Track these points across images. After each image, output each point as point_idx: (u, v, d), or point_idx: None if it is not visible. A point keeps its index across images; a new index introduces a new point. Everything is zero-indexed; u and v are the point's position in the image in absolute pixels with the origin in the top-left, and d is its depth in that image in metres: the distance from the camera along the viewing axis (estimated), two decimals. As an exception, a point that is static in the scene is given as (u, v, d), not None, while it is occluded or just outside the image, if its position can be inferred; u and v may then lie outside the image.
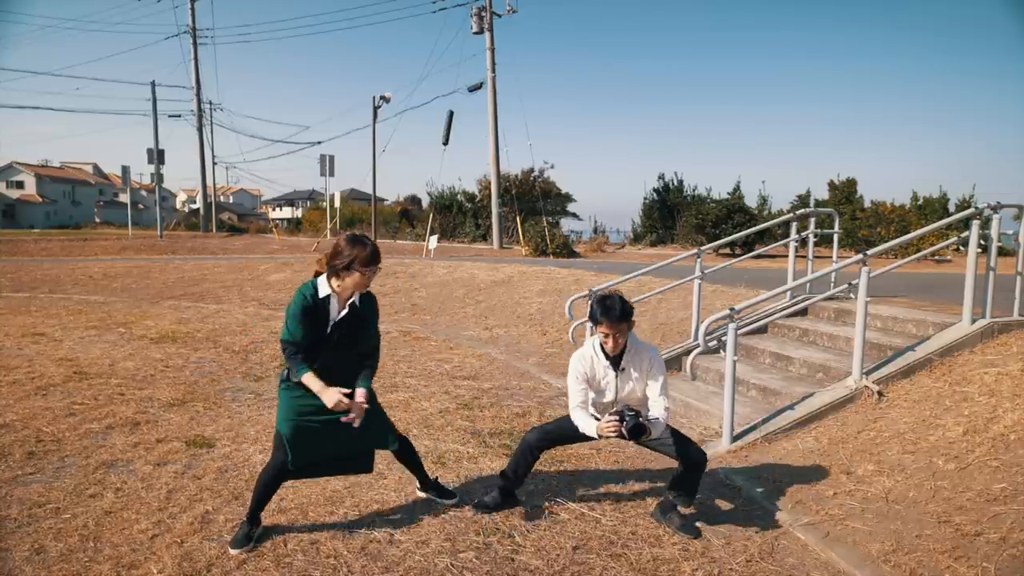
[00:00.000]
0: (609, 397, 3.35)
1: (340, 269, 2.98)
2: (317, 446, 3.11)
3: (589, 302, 3.27)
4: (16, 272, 14.79)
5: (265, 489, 3.14)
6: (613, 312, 3.20)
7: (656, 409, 3.29)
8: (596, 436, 3.22)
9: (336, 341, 3.05)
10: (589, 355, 3.36)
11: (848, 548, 3.08)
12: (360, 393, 3.07)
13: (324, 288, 3.04)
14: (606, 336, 3.25)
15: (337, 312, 3.05)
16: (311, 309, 3.00)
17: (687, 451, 3.30)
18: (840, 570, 2.95)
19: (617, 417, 3.11)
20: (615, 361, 3.33)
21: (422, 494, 3.61)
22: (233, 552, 2.99)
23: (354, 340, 3.10)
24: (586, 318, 6.17)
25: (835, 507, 3.44)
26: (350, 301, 3.07)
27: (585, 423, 3.26)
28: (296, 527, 3.25)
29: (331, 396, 2.96)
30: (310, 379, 2.97)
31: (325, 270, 3.06)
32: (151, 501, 3.50)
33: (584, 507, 3.56)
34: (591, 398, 3.36)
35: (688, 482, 3.33)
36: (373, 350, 3.22)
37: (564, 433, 3.49)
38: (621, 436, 3.10)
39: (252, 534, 3.08)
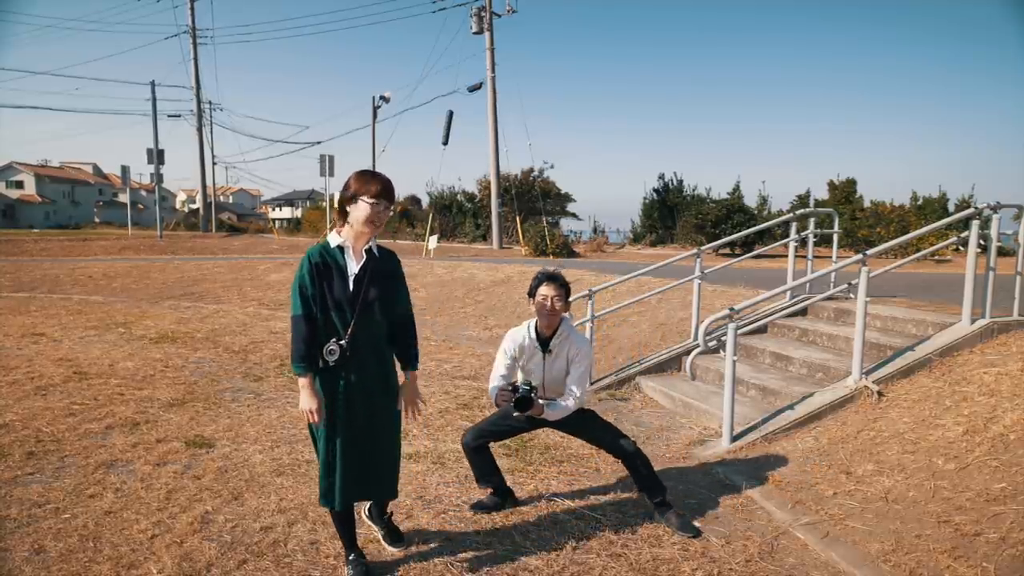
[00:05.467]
0: (536, 380, 3.40)
1: (347, 204, 2.64)
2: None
3: (531, 279, 3.42)
4: (16, 272, 14.77)
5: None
6: (557, 276, 3.34)
7: (567, 395, 3.37)
8: (495, 403, 3.31)
9: (363, 301, 2.65)
10: (522, 334, 3.44)
11: (848, 548, 3.08)
12: (412, 376, 2.84)
13: (335, 238, 2.69)
14: (545, 298, 3.31)
15: (355, 263, 2.67)
16: (320, 266, 2.62)
17: (616, 447, 3.38)
18: (840, 570, 2.95)
19: (511, 388, 3.23)
20: (544, 343, 3.39)
21: (366, 518, 3.24)
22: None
23: (383, 301, 2.70)
24: (586, 317, 6.21)
25: (835, 507, 3.44)
26: (366, 248, 2.71)
27: (493, 392, 3.35)
28: (296, 527, 3.25)
29: (304, 400, 2.63)
30: (303, 381, 2.62)
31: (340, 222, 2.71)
32: (151, 501, 3.50)
33: (584, 507, 3.56)
34: (521, 380, 3.46)
35: (640, 476, 3.39)
36: (409, 320, 2.84)
37: (494, 428, 3.55)
38: (512, 406, 3.22)
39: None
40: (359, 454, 2.72)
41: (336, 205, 2.73)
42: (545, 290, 3.31)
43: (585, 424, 3.46)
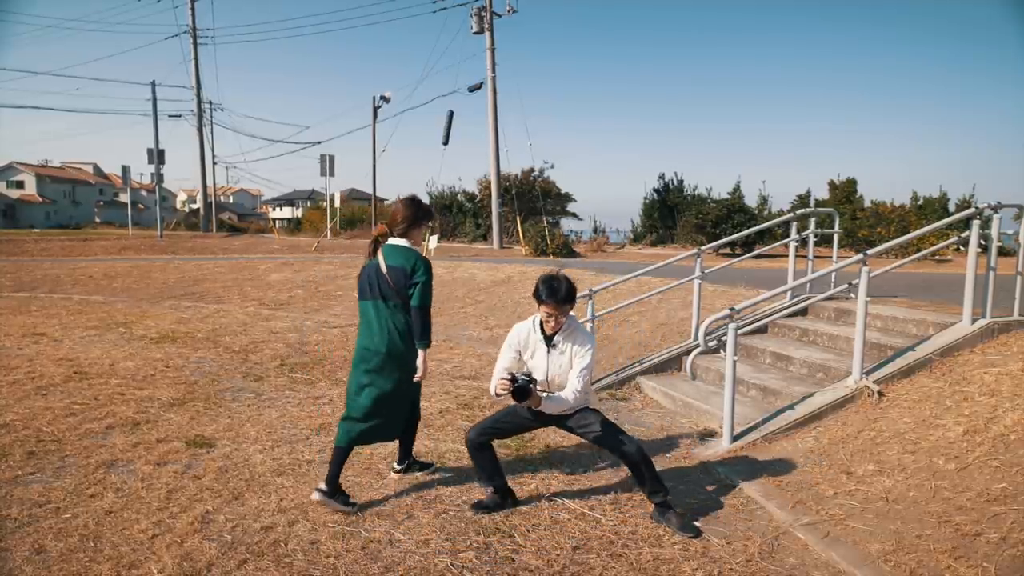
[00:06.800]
0: (540, 375, 3.40)
1: (424, 223, 3.63)
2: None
3: (535, 282, 3.42)
4: (16, 272, 14.78)
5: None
6: (558, 293, 3.30)
7: (566, 389, 3.37)
8: (494, 394, 3.29)
9: None
10: (527, 328, 3.47)
11: (848, 548, 3.08)
12: None
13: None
14: (548, 316, 3.34)
15: None
16: None
17: (619, 447, 3.37)
18: (840, 570, 2.95)
19: (510, 377, 3.21)
20: (548, 338, 3.41)
21: (395, 475, 3.93)
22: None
23: None
24: (587, 317, 6.21)
25: (835, 507, 3.44)
26: None
27: (493, 382, 3.34)
28: (296, 527, 3.25)
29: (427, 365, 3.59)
30: (427, 353, 3.58)
31: (386, 235, 3.61)
32: (151, 501, 3.50)
33: (584, 507, 3.56)
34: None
35: (642, 477, 3.38)
36: None
37: (498, 425, 3.56)
38: (512, 396, 3.21)
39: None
40: None
41: (408, 221, 3.59)
42: (546, 309, 3.32)
43: (589, 423, 3.45)
